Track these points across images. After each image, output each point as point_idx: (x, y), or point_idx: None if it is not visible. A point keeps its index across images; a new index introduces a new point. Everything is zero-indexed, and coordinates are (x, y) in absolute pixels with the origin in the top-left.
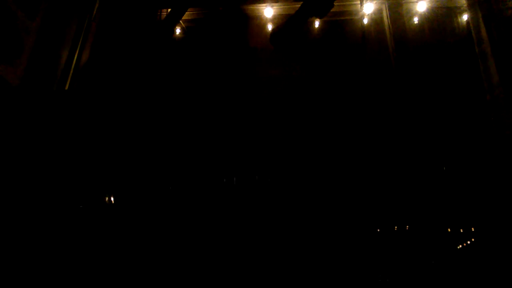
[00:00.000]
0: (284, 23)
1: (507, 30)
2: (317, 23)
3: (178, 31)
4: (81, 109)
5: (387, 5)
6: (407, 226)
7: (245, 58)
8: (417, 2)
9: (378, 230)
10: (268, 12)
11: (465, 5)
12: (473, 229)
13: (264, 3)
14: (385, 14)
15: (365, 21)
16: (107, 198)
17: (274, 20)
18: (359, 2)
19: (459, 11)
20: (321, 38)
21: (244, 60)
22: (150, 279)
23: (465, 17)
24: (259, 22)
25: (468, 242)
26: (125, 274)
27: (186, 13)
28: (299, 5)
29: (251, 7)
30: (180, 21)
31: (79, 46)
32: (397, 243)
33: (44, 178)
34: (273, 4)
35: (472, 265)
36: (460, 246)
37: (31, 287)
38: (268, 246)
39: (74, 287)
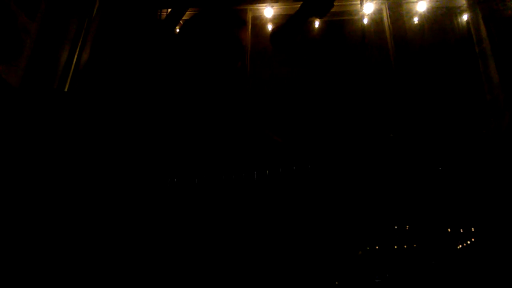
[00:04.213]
0: (283, 23)
1: (507, 30)
2: (317, 23)
3: (177, 31)
4: (81, 110)
5: (387, 5)
6: (407, 226)
7: (244, 58)
8: (417, 2)
9: (377, 230)
10: (268, 12)
11: (465, 5)
12: (473, 229)
13: (264, 3)
14: (385, 14)
15: (365, 21)
16: (108, 197)
17: (274, 20)
18: (359, 2)
19: (459, 11)
20: (321, 38)
21: (244, 60)
22: (153, 274)
23: (465, 17)
24: (259, 22)
25: (468, 242)
26: (125, 269)
27: (186, 13)
28: (299, 5)
29: (251, 7)
30: (181, 21)
31: (79, 46)
32: (397, 243)
33: (45, 177)
34: (273, 4)
35: (472, 265)
36: (460, 246)
37: (30, 286)
38: (264, 243)
39: (73, 286)
